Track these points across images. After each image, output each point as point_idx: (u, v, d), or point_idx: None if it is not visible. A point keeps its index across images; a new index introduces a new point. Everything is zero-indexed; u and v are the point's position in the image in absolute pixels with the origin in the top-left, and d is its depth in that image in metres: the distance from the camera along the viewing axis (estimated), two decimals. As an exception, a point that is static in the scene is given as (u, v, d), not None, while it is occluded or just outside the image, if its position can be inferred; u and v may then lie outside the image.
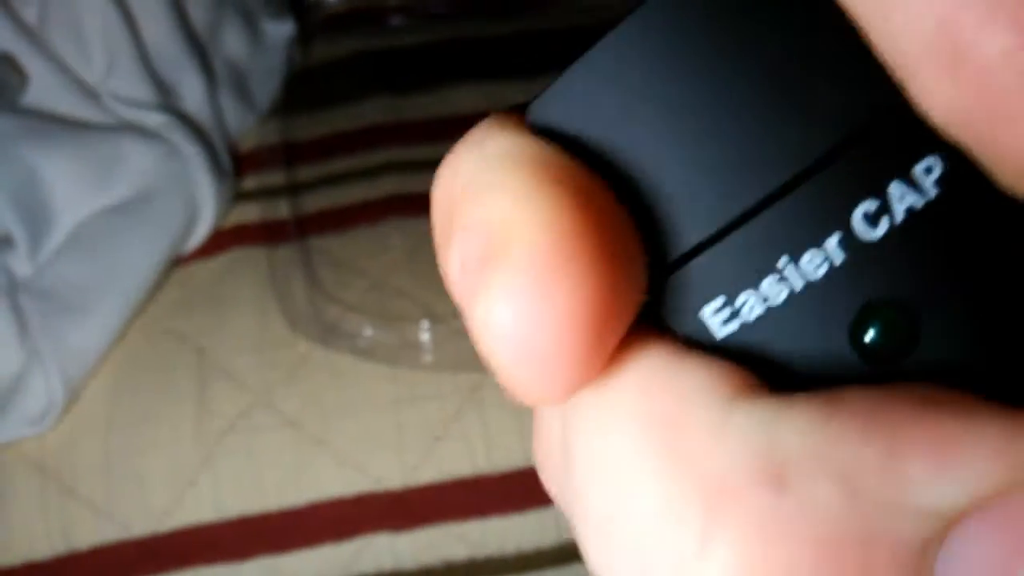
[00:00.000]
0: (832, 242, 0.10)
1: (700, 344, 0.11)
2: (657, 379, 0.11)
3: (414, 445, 0.48)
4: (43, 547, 0.46)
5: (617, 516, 0.11)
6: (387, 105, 0.62)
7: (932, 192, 0.10)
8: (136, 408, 0.49)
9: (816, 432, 0.10)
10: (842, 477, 0.10)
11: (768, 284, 0.11)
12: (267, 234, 0.54)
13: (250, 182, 0.58)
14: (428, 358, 0.49)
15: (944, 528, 0.09)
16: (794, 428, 0.10)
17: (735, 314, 0.11)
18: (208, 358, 0.50)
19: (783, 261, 0.11)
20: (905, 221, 0.10)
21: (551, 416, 0.13)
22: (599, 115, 0.11)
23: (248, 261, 0.54)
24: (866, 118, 0.10)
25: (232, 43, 0.60)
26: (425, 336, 0.50)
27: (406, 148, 0.59)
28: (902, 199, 0.10)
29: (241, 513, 0.47)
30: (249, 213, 0.56)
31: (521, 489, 0.48)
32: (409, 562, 0.47)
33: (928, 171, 0.10)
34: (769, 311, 0.11)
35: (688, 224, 0.11)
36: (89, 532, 0.47)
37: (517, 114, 0.12)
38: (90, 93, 0.54)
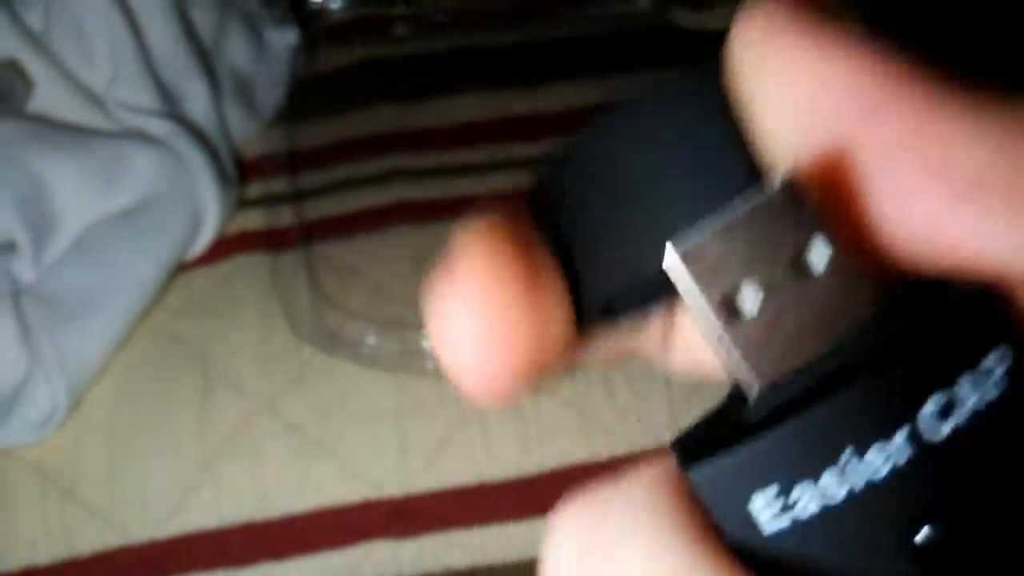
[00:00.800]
0: (899, 438, 0.10)
1: (744, 540, 0.11)
2: None
3: (416, 452, 0.48)
4: (44, 552, 0.46)
5: None
6: (391, 113, 0.62)
7: (999, 387, 0.10)
8: (138, 414, 0.49)
9: None
10: None
11: (828, 478, 0.10)
12: (271, 241, 0.55)
13: (254, 189, 0.58)
14: (431, 365, 0.49)
15: None
16: None
17: (786, 510, 0.10)
18: (211, 364, 0.50)
19: (847, 454, 0.10)
20: (973, 419, 0.10)
21: None
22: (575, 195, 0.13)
23: (252, 268, 0.54)
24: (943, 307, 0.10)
25: (236, 51, 0.60)
26: (428, 344, 0.50)
27: (410, 156, 0.59)
28: (971, 394, 0.10)
29: (243, 519, 0.47)
30: (253, 220, 0.56)
31: (523, 497, 0.48)
32: (411, 569, 0.47)
33: (995, 366, 0.10)
34: (825, 509, 0.10)
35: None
36: (90, 538, 0.47)
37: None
38: (94, 100, 0.55)
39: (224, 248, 0.54)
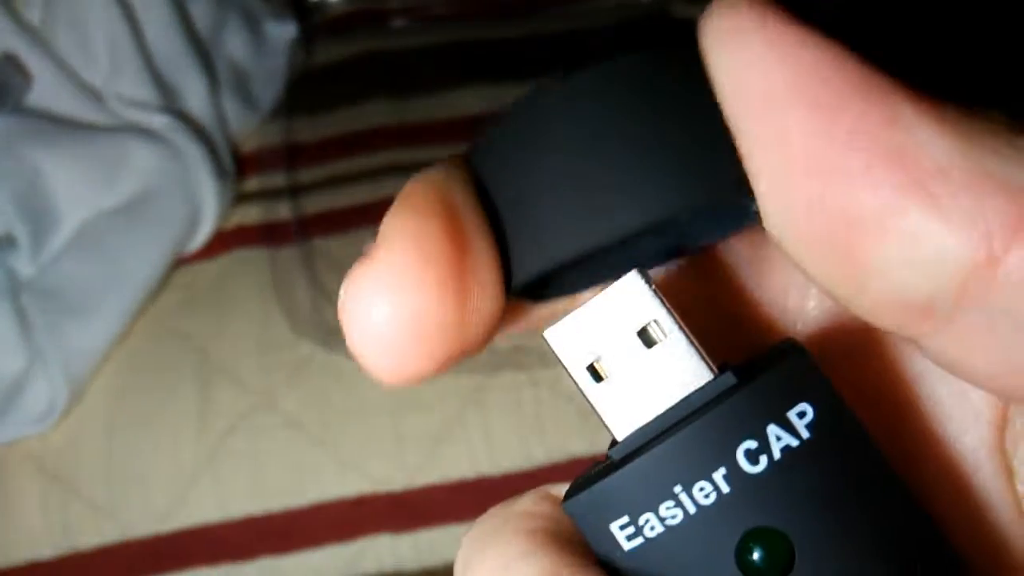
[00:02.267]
0: (719, 475, 0.12)
1: (609, 556, 0.13)
2: None
3: (416, 447, 0.48)
4: (45, 547, 0.47)
5: None
6: (389, 107, 0.62)
7: (804, 434, 0.12)
8: (138, 408, 0.49)
9: None
10: None
11: (665, 508, 0.13)
12: (269, 235, 0.55)
13: (252, 183, 0.58)
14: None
15: None
16: None
17: (639, 531, 0.13)
18: (210, 359, 0.50)
19: (678, 488, 0.13)
20: (782, 459, 0.12)
21: None
22: (512, 157, 0.14)
23: (250, 262, 0.54)
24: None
25: (234, 45, 0.60)
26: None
27: (408, 150, 0.59)
28: (779, 440, 0.12)
29: (243, 514, 0.47)
30: (251, 214, 0.56)
31: (523, 491, 0.48)
32: (410, 563, 0.47)
33: (801, 416, 0.12)
34: (668, 529, 0.13)
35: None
36: (91, 532, 0.47)
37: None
38: (93, 94, 0.55)
39: (222, 242, 0.55)
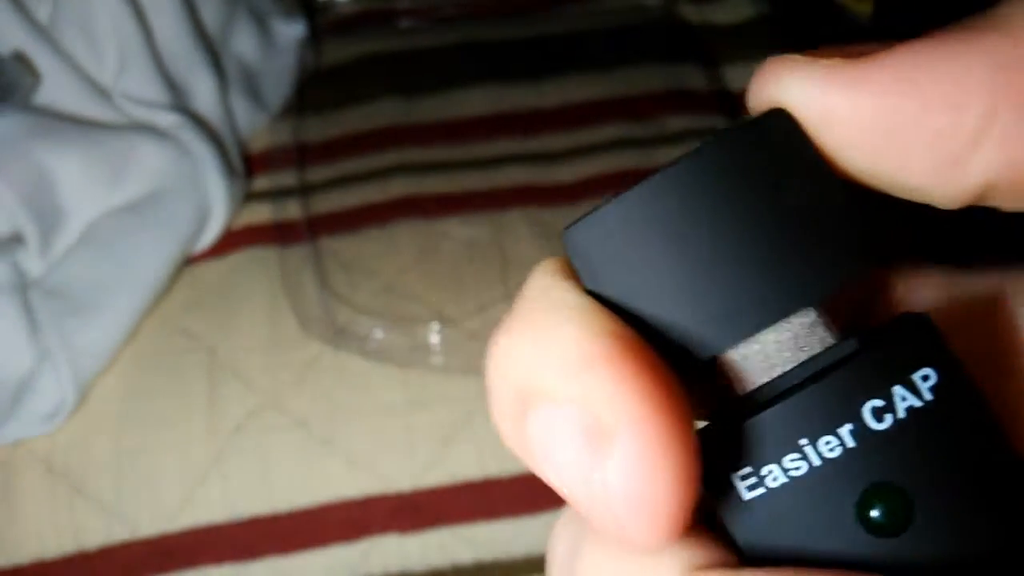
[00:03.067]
0: (845, 430, 0.13)
1: (729, 503, 0.14)
2: None
3: (423, 447, 0.48)
4: (52, 546, 0.46)
5: None
6: (398, 107, 0.62)
7: (928, 396, 0.13)
8: (146, 407, 0.49)
9: None
10: None
11: (789, 460, 0.13)
12: (278, 234, 0.55)
13: (261, 182, 0.58)
14: (438, 360, 0.49)
15: None
16: None
17: (760, 481, 0.13)
18: (218, 358, 0.50)
19: (804, 442, 0.13)
20: (906, 418, 0.13)
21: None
22: (630, 259, 0.14)
23: (259, 261, 0.54)
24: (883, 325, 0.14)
25: (243, 44, 0.60)
26: (435, 338, 0.50)
27: (417, 150, 0.59)
28: (904, 400, 0.13)
29: (250, 513, 0.47)
30: (260, 213, 0.56)
31: (530, 492, 0.48)
32: (417, 564, 0.47)
33: (925, 379, 0.13)
34: (791, 480, 0.13)
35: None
36: (98, 531, 0.47)
37: (568, 272, 0.15)
38: (102, 92, 0.54)
39: (231, 241, 0.54)
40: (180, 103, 0.56)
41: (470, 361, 0.49)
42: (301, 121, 0.60)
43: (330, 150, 0.59)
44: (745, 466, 0.13)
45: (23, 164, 0.50)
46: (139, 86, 0.54)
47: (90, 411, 0.49)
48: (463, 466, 0.48)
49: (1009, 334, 0.15)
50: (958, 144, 0.13)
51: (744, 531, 0.13)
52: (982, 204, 0.14)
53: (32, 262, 0.50)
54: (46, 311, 0.48)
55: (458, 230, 0.55)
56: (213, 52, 0.58)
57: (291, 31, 0.62)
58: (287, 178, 0.57)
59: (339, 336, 0.50)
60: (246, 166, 0.58)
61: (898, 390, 0.13)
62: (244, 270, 0.53)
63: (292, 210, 0.56)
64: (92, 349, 0.49)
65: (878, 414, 0.13)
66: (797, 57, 0.14)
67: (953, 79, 0.13)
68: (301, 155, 0.58)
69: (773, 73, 0.14)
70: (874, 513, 0.13)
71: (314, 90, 0.62)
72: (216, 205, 0.54)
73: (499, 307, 0.51)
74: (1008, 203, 0.14)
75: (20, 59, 0.53)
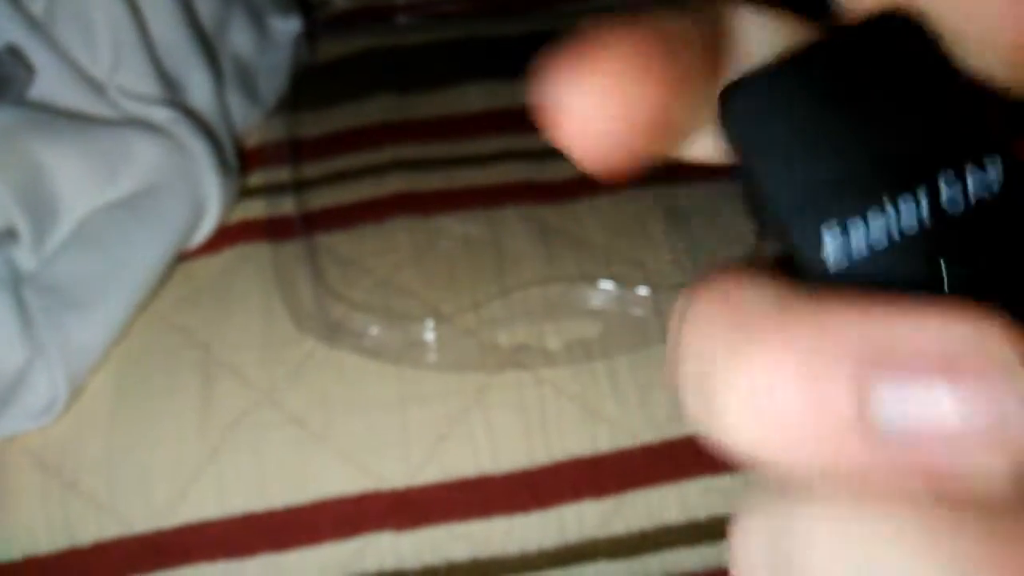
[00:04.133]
0: (921, 195, 0.14)
1: (815, 269, 0.14)
2: None
3: (418, 444, 0.48)
4: (44, 542, 0.46)
5: None
6: (393, 103, 0.62)
7: (996, 185, 0.14)
8: (140, 403, 0.49)
9: None
10: None
11: (873, 228, 0.14)
12: (273, 230, 0.54)
13: (256, 178, 0.58)
14: (433, 357, 0.49)
15: None
16: None
17: (849, 251, 0.14)
18: (212, 354, 0.50)
19: (884, 200, 0.14)
20: (977, 204, 0.14)
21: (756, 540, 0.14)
22: (777, 105, 0.15)
23: (253, 257, 0.53)
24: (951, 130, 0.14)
25: (239, 39, 0.60)
26: (430, 335, 0.49)
27: (412, 146, 0.59)
28: (976, 185, 0.14)
29: (244, 510, 0.47)
30: (255, 209, 0.56)
31: (525, 490, 0.47)
32: (412, 561, 0.47)
33: (993, 167, 0.14)
34: (872, 252, 0.14)
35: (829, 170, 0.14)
36: (91, 527, 0.47)
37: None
38: (97, 87, 0.54)
39: (226, 237, 0.54)
40: (175, 98, 0.55)
41: (465, 358, 0.49)
42: (296, 117, 0.60)
43: (325, 146, 0.59)
44: (831, 221, 0.14)
45: (17, 159, 0.50)
46: (134, 81, 0.54)
47: (83, 407, 0.49)
48: (458, 463, 0.48)
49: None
50: None
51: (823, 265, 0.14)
52: None
53: (25, 257, 0.50)
54: (39, 306, 0.48)
55: (454, 227, 0.55)
56: (209, 47, 0.58)
57: (287, 27, 0.62)
58: (282, 174, 0.57)
59: (334, 333, 0.50)
60: (241, 162, 0.58)
61: (970, 171, 0.14)
62: (238, 266, 0.53)
63: (287, 206, 0.56)
64: (85, 345, 0.49)
65: (951, 189, 0.14)
66: None
67: None
68: (296, 151, 0.58)
69: None
70: (956, 280, 0.14)
71: (309, 86, 0.62)
72: (210, 201, 0.54)
73: (494, 304, 0.51)
74: None
75: (15, 54, 0.52)
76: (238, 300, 0.52)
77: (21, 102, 0.52)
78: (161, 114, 0.54)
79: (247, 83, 0.60)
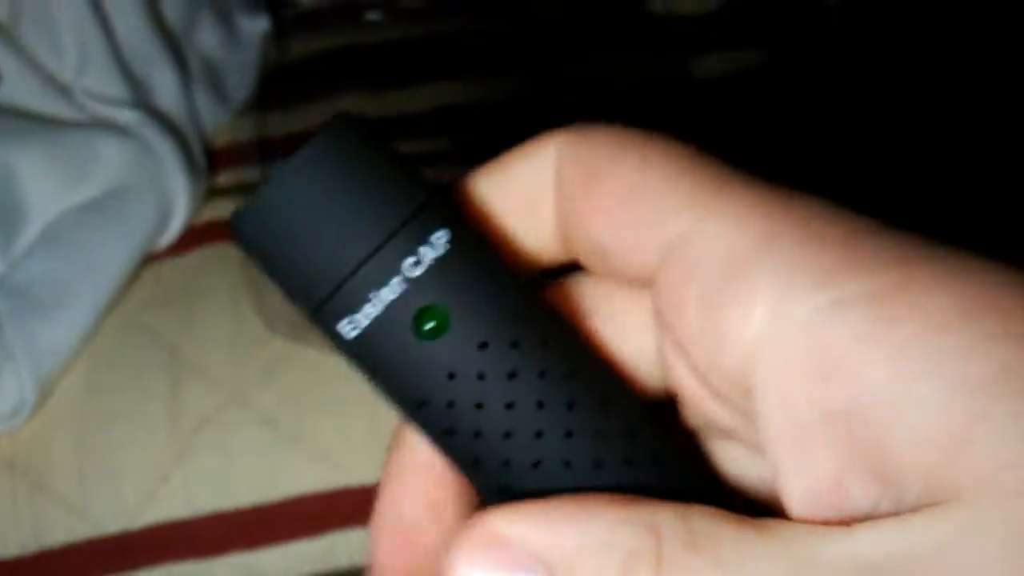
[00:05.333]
0: (395, 281, 0.19)
1: (339, 342, 0.19)
2: None
3: (388, 441, 0.48)
4: (13, 544, 0.46)
5: None
6: (364, 101, 0.62)
7: (444, 249, 0.19)
8: (108, 405, 0.49)
9: None
10: None
11: (367, 307, 0.19)
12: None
13: (224, 178, 0.58)
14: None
15: None
16: None
17: (356, 325, 0.19)
18: (181, 355, 0.50)
19: (372, 294, 0.19)
20: (433, 263, 0.19)
21: None
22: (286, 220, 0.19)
23: (222, 258, 0.53)
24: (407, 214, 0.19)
25: (206, 39, 0.60)
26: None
27: (381, 144, 0.59)
28: (428, 253, 0.19)
29: (214, 509, 0.47)
30: (223, 209, 0.56)
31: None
32: (382, 558, 0.47)
33: (440, 238, 0.19)
34: (374, 319, 0.19)
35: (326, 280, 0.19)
36: (60, 529, 0.47)
37: None
38: (63, 90, 0.54)
39: (194, 238, 0.54)
40: (142, 99, 0.55)
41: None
42: (264, 116, 0.60)
43: (294, 145, 0.58)
44: (341, 319, 0.19)
45: (-17, 162, 0.50)
46: (100, 83, 0.54)
47: (52, 409, 0.49)
48: (428, 459, 0.48)
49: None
50: None
51: (352, 356, 0.19)
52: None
53: (-8, 261, 0.50)
54: (6, 309, 0.48)
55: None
56: (175, 47, 0.58)
57: (254, 26, 0.62)
58: (250, 174, 0.57)
59: (303, 332, 0.50)
60: (209, 162, 0.58)
61: (424, 247, 0.19)
62: (207, 267, 0.53)
63: (256, 206, 0.56)
64: (53, 347, 0.49)
65: (414, 265, 0.19)
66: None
67: None
68: (265, 150, 0.58)
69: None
70: (425, 326, 0.19)
71: (278, 85, 0.62)
72: (178, 201, 0.54)
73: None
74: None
75: (-21, 57, 0.52)
76: (207, 301, 0.52)
77: (-13, 106, 0.52)
78: (128, 116, 0.54)
79: (215, 83, 0.60)
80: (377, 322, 0.19)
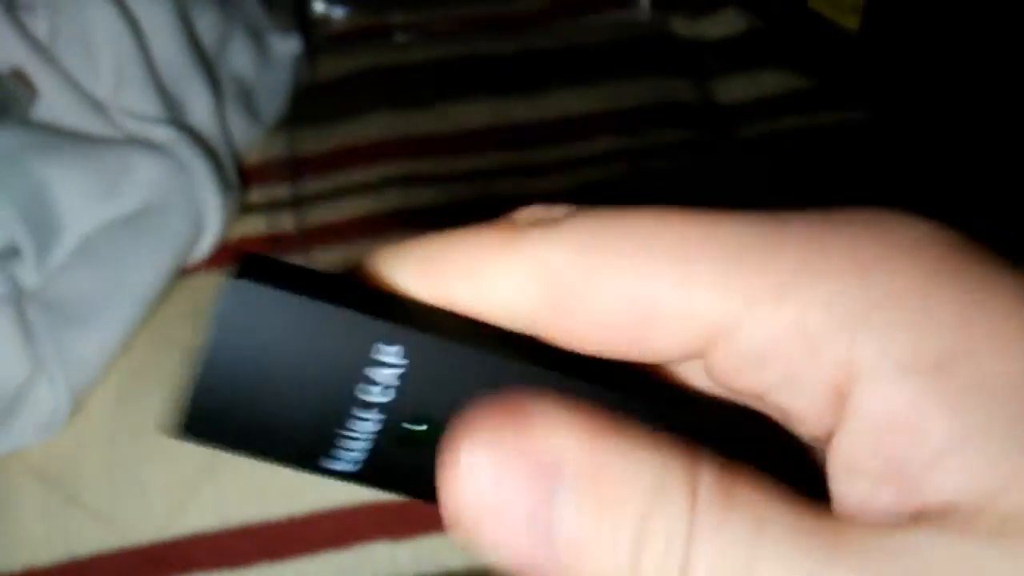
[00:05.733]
0: (370, 413, 0.19)
1: (349, 476, 0.19)
2: None
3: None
4: (44, 554, 0.47)
5: None
6: (392, 120, 0.62)
7: (403, 364, 0.18)
8: (140, 417, 0.49)
9: None
10: None
11: (356, 443, 0.19)
12: (272, 246, 0.55)
13: (255, 195, 0.58)
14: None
15: None
16: None
17: (354, 460, 0.19)
18: (211, 368, 0.50)
19: (353, 432, 0.19)
20: (397, 382, 0.18)
21: None
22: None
23: (252, 273, 0.54)
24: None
25: (239, 59, 0.61)
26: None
27: (410, 163, 0.60)
28: (390, 376, 0.18)
29: (242, 521, 0.48)
30: (254, 226, 0.57)
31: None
32: (409, 570, 0.47)
33: (394, 354, 0.18)
34: (368, 452, 0.19)
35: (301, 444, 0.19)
36: (91, 540, 0.47)
37: None
38: (99, 107, 0.55)
39: (226, 254, 0.55)
40: (176, 117, 0.56)
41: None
42: (296, 134, 0.61)
43: (324, 163, 0.60)
44: (325, 459, 0.19)
45: (20, 178, 0.51)
46: (135, 101, 0.55)
47: (84, 421, 0.49)
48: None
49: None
50: None
51: (362, 482, 0.19)
52: None
53: (28, 274, 0.50)
54: (41, 322, 0.49)
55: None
56: (209, 67, 0.59)
57: (286, 46, 0.63)
58: (281, 191, 0.58)
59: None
60: (241, 179, 0.59)
61: (384, 353, 0.18)
62: (238, 281, 0.54)
63: (286, 222, 0.56)
64: (86, 360, 0.49)
65: (382, 393, 0.18)
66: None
67: None
68: (295, 168, 0.59)
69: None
70: (416, 431, 0.19)
71: (309, 103, 0.63)
72: (211, 218, 0.54)
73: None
74: None
75: (18, 75, 0.53)
76: (237, 315, 0.52)
77: (25, 123, 0.53)
78: (162, 133, 0.55)
79: (247, 101, 0.60)
80: (371, 453, 0.19)
